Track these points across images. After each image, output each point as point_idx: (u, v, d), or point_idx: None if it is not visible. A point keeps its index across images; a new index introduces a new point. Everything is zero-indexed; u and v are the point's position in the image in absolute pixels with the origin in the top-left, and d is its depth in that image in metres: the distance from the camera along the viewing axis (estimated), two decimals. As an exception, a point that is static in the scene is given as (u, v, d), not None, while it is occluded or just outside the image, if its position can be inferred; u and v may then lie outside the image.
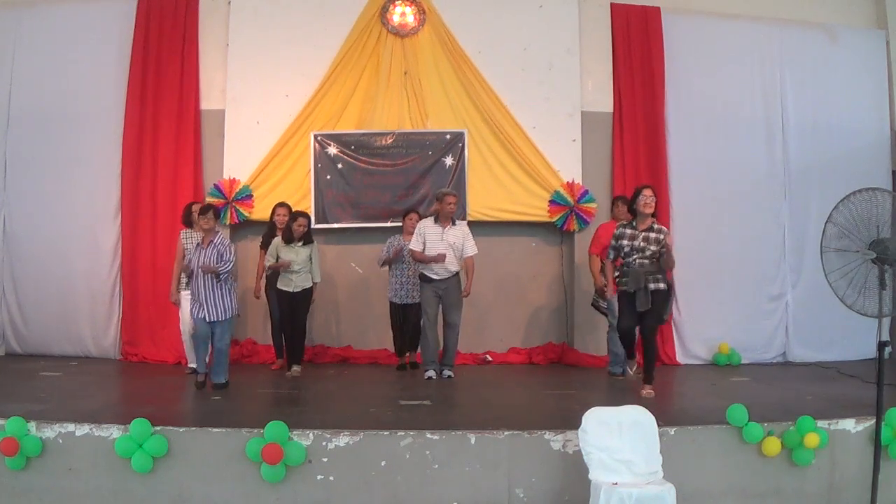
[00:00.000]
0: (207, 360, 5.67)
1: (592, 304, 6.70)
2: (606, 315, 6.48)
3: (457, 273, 6.27)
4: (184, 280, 6.17)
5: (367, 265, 7.40)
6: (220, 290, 5.55)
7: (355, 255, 7.47)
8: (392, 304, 6.77)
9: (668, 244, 5.41)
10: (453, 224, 6.29)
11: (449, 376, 6.24)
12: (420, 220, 6.46)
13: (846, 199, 4.20)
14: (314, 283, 6.39)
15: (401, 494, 4.09)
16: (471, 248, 6.28)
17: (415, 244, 6.26)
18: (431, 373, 6.22)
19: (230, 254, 5.63)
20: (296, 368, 6.31)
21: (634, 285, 5.34)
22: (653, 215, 5.44)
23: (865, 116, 7.77)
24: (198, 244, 5.67)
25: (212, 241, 5.58)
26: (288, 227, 6.29)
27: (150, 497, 4.07)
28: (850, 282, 4.13)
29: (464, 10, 7.41)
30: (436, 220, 6.28)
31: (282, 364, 6.67)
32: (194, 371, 6.24)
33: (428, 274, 6.22)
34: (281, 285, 6.28)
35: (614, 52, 7.55)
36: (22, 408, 4.42)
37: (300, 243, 6.24)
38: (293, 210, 6.56)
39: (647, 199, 5.38)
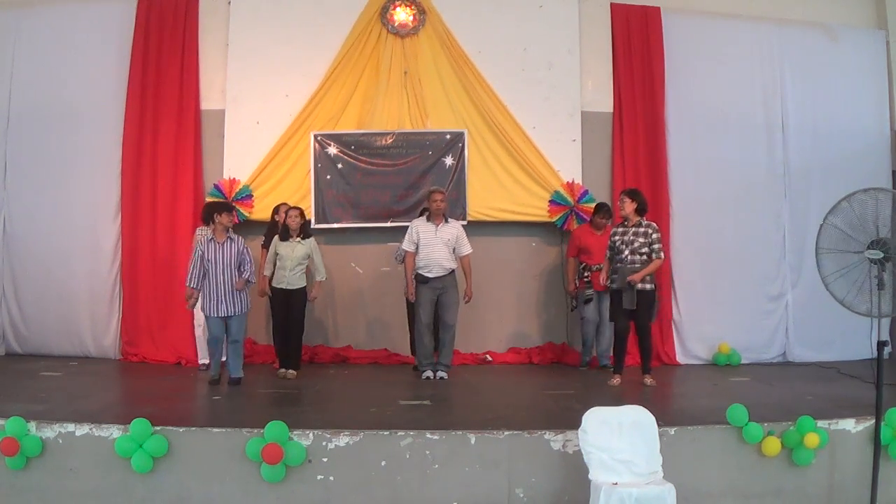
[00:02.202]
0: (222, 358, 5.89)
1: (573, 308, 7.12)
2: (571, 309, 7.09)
3: (452, 271, 6.25)
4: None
5: (367, 265, 7.40)
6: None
7: (355, 255, 7.47)
8: (409, 303, 6.69)
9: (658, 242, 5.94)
10: (446, 221, 6.30)
11: (442, 377, 6.20)
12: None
13: (846, 199, 4.19)
14: (318, 282, 6.33)
15: (401, 494, 4.09)
16: (465, 248, 6.28)
17: (407, 244, 6.25)
18: (429, 373, 6.22)
19: (248, 253, 5.90)
20: (290, 372, 6.24)
21: (620, 283, 5.83)
22: (640, 213, 5.95)
23: (865, 116, 7.77)
24: (210, 239, 5.77)
25: (229, 237, 5.79)
26: (284, 223, 6.29)
27: (150, 497, 4.07)
28: (853, 282, 4.12)
29: (464, 10, 7.41)
30: (428, 219, 6.29)
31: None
32: (208, 367, 6.33)
33: (423, 273, 6.20)
34: (275, 283, 6.24)
35: (614, 52, 7.55)
36: (22, 408, 4.43)
37: (298, 238, 6.21)
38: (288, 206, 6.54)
39: (620, 202, 6.05)
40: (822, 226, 4.26)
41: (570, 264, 7.08)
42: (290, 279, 6.19)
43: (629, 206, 5.92)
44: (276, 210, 6.73)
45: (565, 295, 7.24)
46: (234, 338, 5.83)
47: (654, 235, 5.89)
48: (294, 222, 6.21)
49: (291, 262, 6.18)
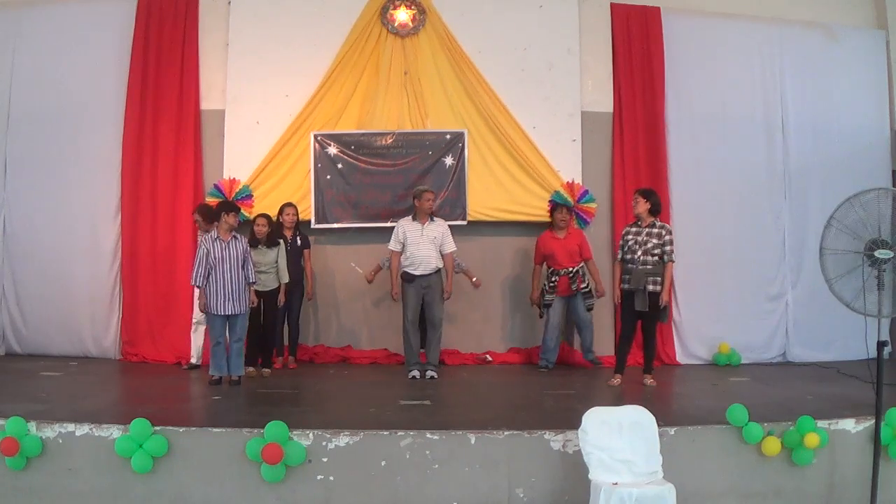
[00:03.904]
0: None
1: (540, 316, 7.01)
2: (541, 316, 6.95)
3: (438, 270, 6.30)
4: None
5: (367, 265, 7.38)
6: (244, 284, 5.85)
7: (355, 255, 7.46)
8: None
9: (671, 244, 5.88)
10: (431, 220, 6.33)
11: (432, 377, 6.21)
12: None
13: (851, 199, 4.16)
14: (281, 284, 6.38)
15: (401, 494, 4.09)
16: (449, 245, 6.32)
17: (393, 244, 6.27)
18: (415, 372, 6.24)
19: (250, 254, 5.98)
20: (266, 370, 6.38)
21: (636, 285, 5.77)
22: (654, 213, 5.91)
23: (865, 116, 7.77)
24: (216, 238, 5.80)
25: (234, 236, 5.86)
26: (251, 229, 6.36)
27: (150, 497, 4.07)
28: (863, 284, 4.10)
29: (464, 10, 7.40)
30: (414, 219, 6.31)
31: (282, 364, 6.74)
32: (193, 367, 6.45)
33: (409, 271, 6.23)
34: None
35: (614, 52, 7.55)
36: (22, 408, 4.43)
37: (265, 246, 6.30)
38: (262, 213, 6.62)
39: (634, 201, 6.01)
40: (826, 226, 4.23)
41: (535, 272, 7.01)
42: (264, 281, 6.25)
43: (642, 206, 5.89)
44: (281, 210, 6.75)
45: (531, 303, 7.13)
46: (238, 336, 5.87)
47: (668, 237, 5.86)
48: (261, 231, 6.32)
49: (265, 265, 6.27)
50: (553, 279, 6.80)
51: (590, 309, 6.82)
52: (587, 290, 6.77)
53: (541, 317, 6.98)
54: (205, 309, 5.83)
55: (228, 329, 5.86)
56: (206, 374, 5.93)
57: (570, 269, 6.73)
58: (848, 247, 4.14)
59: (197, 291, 5.97)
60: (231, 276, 5.77)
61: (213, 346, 5.84)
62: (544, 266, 6.94)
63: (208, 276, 5.77)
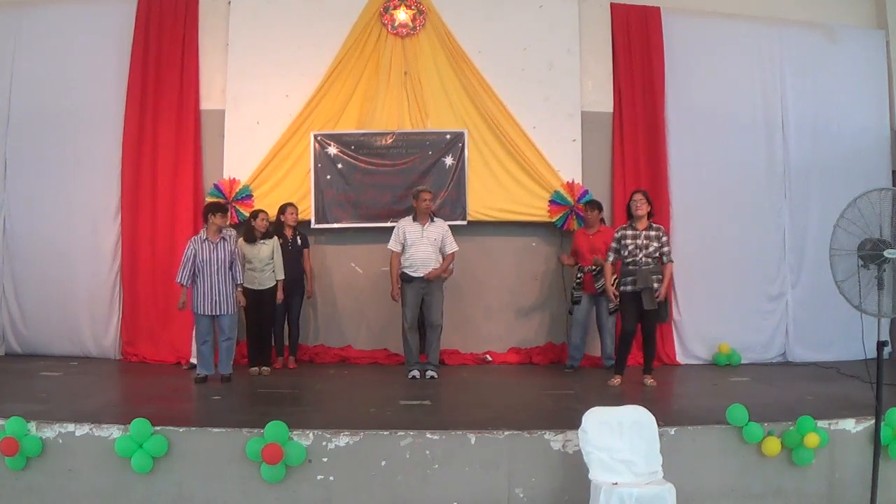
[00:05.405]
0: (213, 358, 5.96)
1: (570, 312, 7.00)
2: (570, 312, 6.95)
3: None
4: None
5: (367, 265, 7.40)
6: (231, 285, 5.89)
7: (355, 255, 7.47)
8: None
9: (667, 245, 5.91)
10: (432, 221, 6.33)
11: (432, 377, 6.23)
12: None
13: (860, 198, 4.13)
14: (278, 281, 6.44)
15: (401, 494, 4.09)
16: (451, 246, 6.36)
17: (393, 244, 6.28)
18: (415, 372, 6.26)
19: (238, 254, 6.03)
20: (265, 369, 6.42)
21: (643, 284, 5.76)
22: (649, 216, 5.91)
23: (865, 116, 7.77)
24: (204, 239, 5.83)
25: (223, 237, 5.89)
26: (249, 225, 6.39)
27: (150, 497, 4.07)
28: (867, 283, 4.08)
29: (464, 10, 7.40)
30: (414, 219, 6.31)
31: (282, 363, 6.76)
32: (193, 367, 6.42)
33: (409, 272, 6.23)
34: (246, 283, 6.28)
35: (614, 52, 7.55)
36: (22, 408, 4.43)
37: (262, 241, 6.36)
38: (255, 208, 6.72)
39: (636, 202, 5.90)
40: (835, 227, 4.19)
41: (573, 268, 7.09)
42: (261, 280, 6.29)
43: (646, 208, 5.88)
44: (281, 210, 6.76)
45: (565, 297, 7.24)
46: (227, 335, 5.90)
47: (665, 238, 5.89)
48: (262, 225, 6.36)
49: (260, 262, 6.30)
50: (578, 276, 6.83)
51: (611, 312, 6.73)
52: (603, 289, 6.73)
53: (570, 313, 6.98)
54: (184, 308, 5.84)
55: (217, 329, 5.90)
56: (204, 375, 5.95)
57: (594, 266, 6.71)
58: (857, 248, 4.12)
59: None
60: (218, 277, 5.81)
61: (200, 345, 5.88)
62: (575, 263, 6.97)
63: (194, 276, 5.80)
